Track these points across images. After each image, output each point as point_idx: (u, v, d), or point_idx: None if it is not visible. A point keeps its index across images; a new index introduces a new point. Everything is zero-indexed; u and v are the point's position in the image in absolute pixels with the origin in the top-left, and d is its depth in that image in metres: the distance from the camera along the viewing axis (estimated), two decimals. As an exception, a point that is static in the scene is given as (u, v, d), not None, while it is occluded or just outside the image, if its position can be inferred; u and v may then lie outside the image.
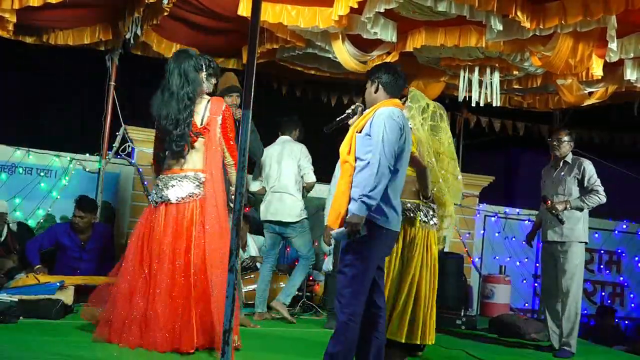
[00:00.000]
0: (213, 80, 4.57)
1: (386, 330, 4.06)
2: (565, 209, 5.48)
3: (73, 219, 6.25)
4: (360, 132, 3.65)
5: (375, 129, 3.56)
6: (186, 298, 4.10)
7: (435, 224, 4.65)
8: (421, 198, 4.58)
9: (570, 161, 5.69)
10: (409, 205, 4.51)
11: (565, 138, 5.69)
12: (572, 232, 5.51)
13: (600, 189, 5.52)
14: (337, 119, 3.93)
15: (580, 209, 5.54)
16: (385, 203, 3.56)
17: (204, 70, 4.48)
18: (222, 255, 4.08)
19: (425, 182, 4.51)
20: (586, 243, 5.62)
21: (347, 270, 3.54)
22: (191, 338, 4.04)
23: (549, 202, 5.53)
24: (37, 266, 5.90)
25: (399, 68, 3.88)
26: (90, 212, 6.29)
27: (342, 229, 3.51)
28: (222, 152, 4.41)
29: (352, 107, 3.95)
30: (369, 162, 3.53)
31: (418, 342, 4.48)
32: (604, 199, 5.53)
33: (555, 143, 5.71)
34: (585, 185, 5.55)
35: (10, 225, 6.52)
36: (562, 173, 5.67)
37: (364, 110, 3.83)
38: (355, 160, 3.61)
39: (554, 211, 5.47)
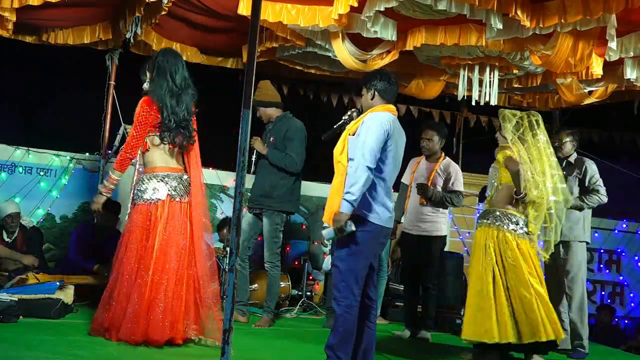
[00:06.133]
0: None
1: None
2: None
3: (96, 217, 6.22)
4: (353, 134, 3.86)
5: (361, 131, 3.79)
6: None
7: (525, 232, 4.69)
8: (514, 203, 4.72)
9: (573, 161, 5.69)
10: (497, 213, 4.71)
11: (567, 139, 5.69)
12: (571, 231, 5.50)
13: (602, 189, 5.54)
14: (335, 126, 4.13)
15: (580, 209, 5.53)
16: (376, 200, 3.77)
17: None
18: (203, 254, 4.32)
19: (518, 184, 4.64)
20: (588, 243, 5.60)
21: (341, 265, 3.77)
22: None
23: None
24: (96, 266, 5.89)
25: (392, 75, 4.10)
26: (114, 213, 6.31)
27: (330, 228, 3.72)
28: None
29: (349, 112, 4.15)
30: None
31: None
32: (605, 199, 5.54)
33: (557, 144, 5.67)
34: (586, 185, 5.55)
35: (25, 224, 6.47)
36: (565, 173, 5.56)
37: (360, 114, 4.04)
38: (348, 161, 3.80)
39: None
